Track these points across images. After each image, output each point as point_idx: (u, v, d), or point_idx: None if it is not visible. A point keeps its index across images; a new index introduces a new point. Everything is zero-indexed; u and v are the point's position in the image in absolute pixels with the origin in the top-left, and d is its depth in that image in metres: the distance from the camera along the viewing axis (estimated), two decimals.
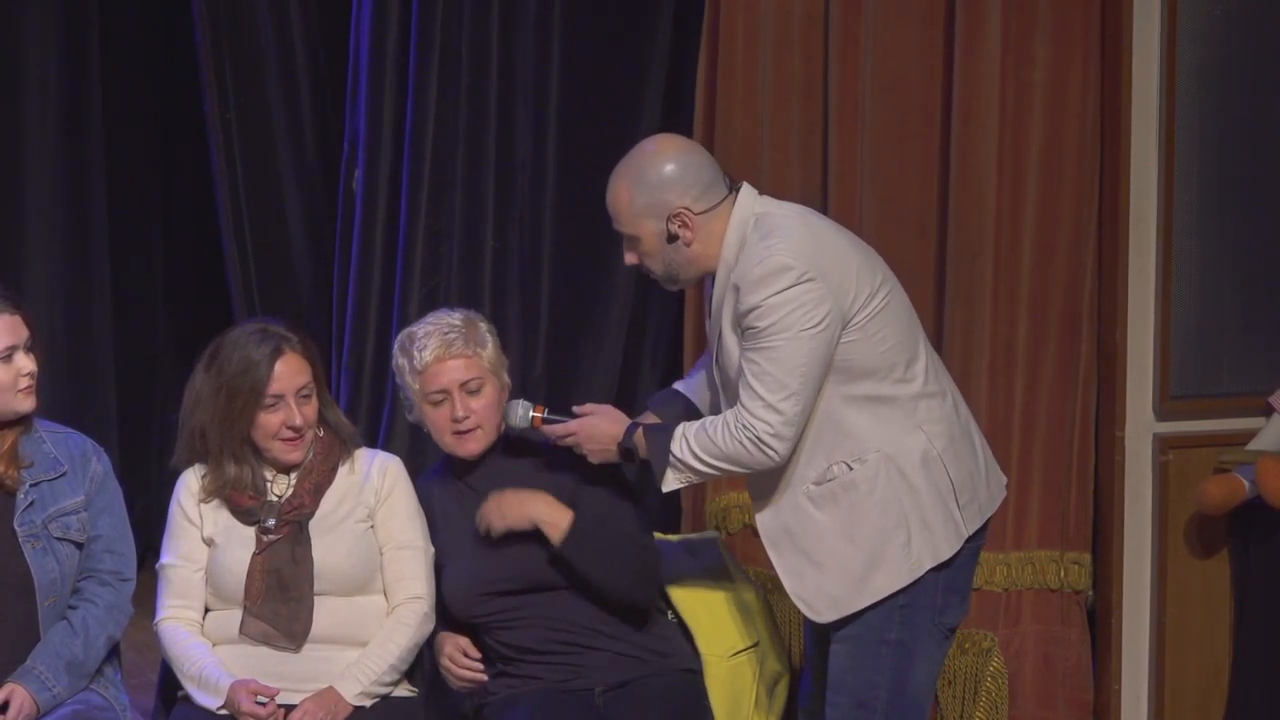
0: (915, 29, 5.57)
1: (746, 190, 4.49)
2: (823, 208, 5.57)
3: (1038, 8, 5.57)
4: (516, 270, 5.72)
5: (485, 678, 4.73)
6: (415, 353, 4.73)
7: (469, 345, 4.74)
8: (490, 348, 4.78)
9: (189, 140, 6.87)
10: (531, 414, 4.69)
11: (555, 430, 4.65)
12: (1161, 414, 5.68)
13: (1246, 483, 5.52)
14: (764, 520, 4.52)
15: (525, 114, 5.69)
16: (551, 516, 4.71)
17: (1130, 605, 5.71)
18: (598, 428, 4.60)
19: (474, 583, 4.75)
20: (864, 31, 5.54)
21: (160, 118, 7.33)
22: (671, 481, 4.47)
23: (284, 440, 4.68)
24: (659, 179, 4.44)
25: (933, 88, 5.60)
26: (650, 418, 4.78)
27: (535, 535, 4.73)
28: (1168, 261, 5.64)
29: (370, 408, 5.66)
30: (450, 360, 4.73)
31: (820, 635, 4.68)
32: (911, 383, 4.45)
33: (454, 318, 4.80)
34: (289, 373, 4.66)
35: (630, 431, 4.55)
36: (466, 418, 4.73)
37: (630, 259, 4.54)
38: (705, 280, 4.57)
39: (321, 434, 4.76)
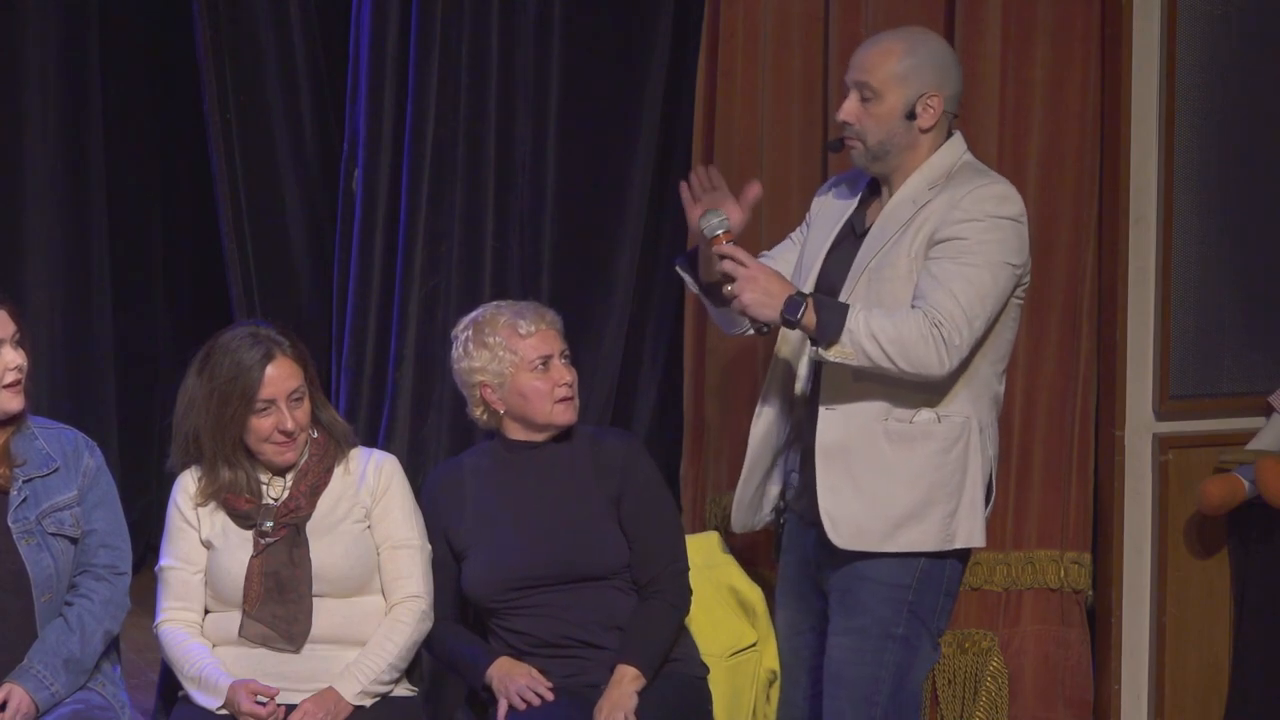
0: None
1: (960, 137, 4.57)
2: None
3: (1038, 8, 5.57)
4: (516, 270, 5.72)
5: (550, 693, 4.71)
6: (520, 322, 4.80)
7: (556, 320, 4.87)
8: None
9: (189, 140, 6.87)
10: (720, 232, 4.55)
11: (728, 263, 4.51)
12: (1161, 414, 5.68)
13: (1246, 483, 5.52)
14: (827, 429, 4.52)
15: (525, 114, 5.69)
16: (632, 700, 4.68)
17: (1130, 605, 5.71)
18: (769, 278, 4.49)
19: (502, 571, 4.76)
20: (864, 31, 5.53)
21: (160, 118, 7.33)
22: (834, 353, 4.43)
23: (276, 444, 4.68)
24: (933, 56, 4.50)
25: None
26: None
27: (569, 527, 4.75)
28: (1168, 261, 5.64)
29: (370, 408, 5.65)
30: (549, 330, 4.82)
31: (803, 641, 4.69)
32: (1001, 384, 4.57)
33: (515, 303, 4.91)
34: (280, 377, 4.66)
35: (800, 295, 4.46)
36: (573, 383, 4.80)
37: (848, 114, 4.51)
38: (825, 189, 4.68)
39: (315, 435, 4.76)
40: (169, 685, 4.81)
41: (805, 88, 5.63)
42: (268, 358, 4.65)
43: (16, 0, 6.56)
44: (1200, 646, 5.72)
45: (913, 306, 4.42)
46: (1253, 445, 5.63)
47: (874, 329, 4.39)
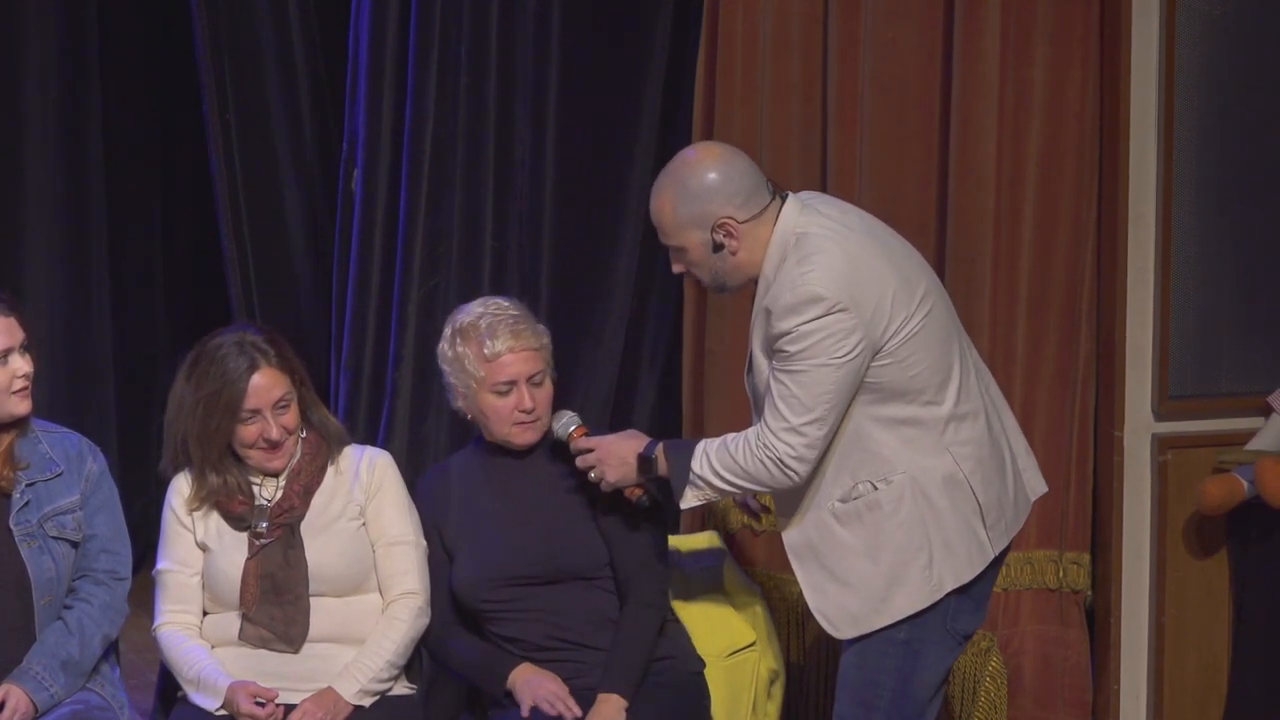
0: (915, 29, 5.57)
1: (792, 202, 4.44)
2: None
3: (1038, 8, 5.57)
4: (516, 270, 5.72)
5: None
6: (487, 340, 4.72)
7: (535, 337, 4.77)
8: (547, 340, 4.80)
9: (189, 140, 6.87)
10: (572, 429, 4.70)
11: (582, 458, 4.65)
12: (1160, 414, 5.68)
13: (1246, 483, 5.52)
14: (789, 535, 4.50)
15: (525, 114, 5.69)
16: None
17: (1129, 605, 5.71)
18: (618, 444, 4.60)
19: (488, 569, 4.75)
20: (864, 31, 5.54)
21: (160, 118, 7.33)
22: (690, 499, 4.46)
23: (261, 450, 4.69)
24: (701, 189, 4.39)
25: (933, 88, 5.60)
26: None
27: (550, 528, 4.74)
28: (1167, 261, 5.64)
29: (370, 407, 5.66)
30: (521, 351, 4.73)
31: None
32: (941, 405, 4.42)
33: (511, 307, 4.81)
34: (265, 386, 4.66)
35: (652, 445, 4.55)
36: (533, 409, 4.74)
37: (677, 268, 4.51)
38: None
39: (306, 435, 4.77)
40: (168, 686, 4.82)
41: (805, 88, 5.63)
42: (253, 368, 4.66)
43: (16, 0, 6.56)
44: (1199, 646, 5.72)
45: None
46: (1252, 445, 5.63)
47: (717, 467, 4.40)
